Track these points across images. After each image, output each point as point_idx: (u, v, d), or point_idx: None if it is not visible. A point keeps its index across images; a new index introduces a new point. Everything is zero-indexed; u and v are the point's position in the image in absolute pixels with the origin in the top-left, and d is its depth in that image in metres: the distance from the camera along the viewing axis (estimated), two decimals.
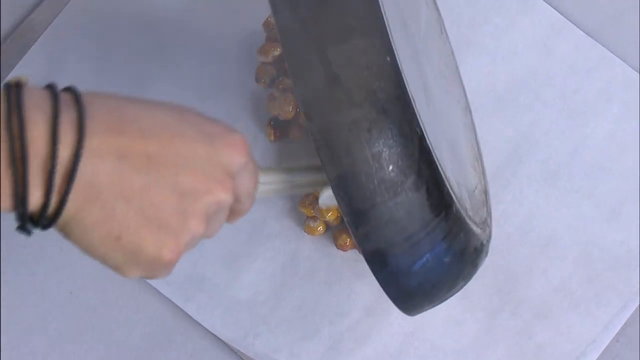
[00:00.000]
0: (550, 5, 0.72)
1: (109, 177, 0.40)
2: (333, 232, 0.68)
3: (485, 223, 0.58)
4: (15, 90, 0.39)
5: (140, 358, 0.68)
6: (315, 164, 0.54)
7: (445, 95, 0.62)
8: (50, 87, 0.41)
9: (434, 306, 0.54)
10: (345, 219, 0.48)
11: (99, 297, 0.69)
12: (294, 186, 0.55)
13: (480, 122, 0.69)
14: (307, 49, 0.46)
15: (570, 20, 0.72)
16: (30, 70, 0.71)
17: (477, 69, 0.71)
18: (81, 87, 0.71)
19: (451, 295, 0.54)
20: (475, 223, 0.53)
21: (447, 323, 0.68)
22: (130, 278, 0.45)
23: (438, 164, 0.48)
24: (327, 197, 0.54)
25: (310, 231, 0.68)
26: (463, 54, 0.71)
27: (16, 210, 0.39)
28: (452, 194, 0.49)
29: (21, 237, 0.68)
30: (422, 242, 0.48)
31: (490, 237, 0.58)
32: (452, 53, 0.69)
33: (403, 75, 0.46)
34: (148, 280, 0.68)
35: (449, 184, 0.49)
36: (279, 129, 0.69)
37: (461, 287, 0.54)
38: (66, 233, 0.42)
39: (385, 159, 0.46)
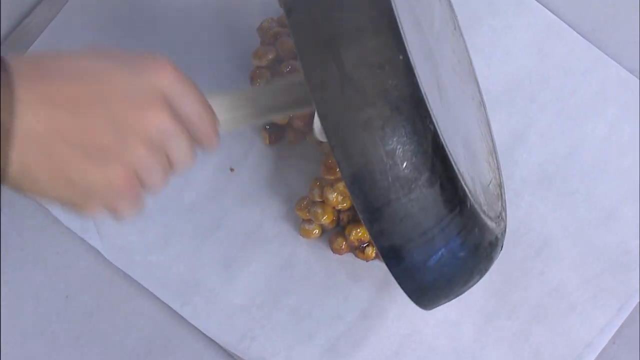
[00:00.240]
0: (546, 8, 0.72)
1: (44, 125, 0.43)
2: (329, 236, 0.68)
3: (500, 217, 0.59)
4: None
5: None
6: (287, 82, 0.55)
7: (459, 91, 0.62)
8: None
9: (449, 300, 0.54)
10: (360, 216, 0.48)
11: (95, 301, 0.69)
12: (265, 110, 0.54)
13: None
14: (320, 48, 0.47)
15: (565, 22, 0.72)
16: None
17: None
18: None
19: (467, 289, 0.54)
20: (489, 217, 0.54)
21: (444, 325, 0.68)
22: (97, 215, 0.47)
23: (452, 160, 0.48)
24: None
25: (306, 234, 0.68)
26: None
27: None
28: (466, 189, 0.50)
29: (17, 241, 0.69)
30: (436, 237, 0.49)
31: (505, 230, 0.59)
32: (467, 49, 0.69)
33: (416, 73, 0.47)
34: (144, 285, 0.68)
35: (463, 180, 0.50)
36: (274, 132, 0.69)
37: (476, 281, 0.54)
38: (18, 187, 0.44)
39: (399, 156, 0.47)
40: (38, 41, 0.72)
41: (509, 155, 0.70)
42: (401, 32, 0.47)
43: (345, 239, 0.67)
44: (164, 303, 0.68)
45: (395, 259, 0.49)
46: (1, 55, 0.43)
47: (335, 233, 0.68)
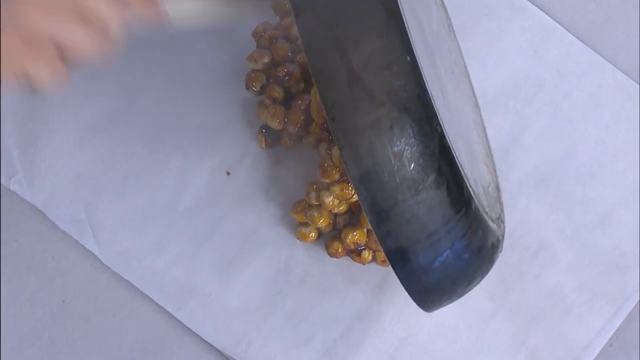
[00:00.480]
0: (541, 10, 0.72)
1: None
2: (325, 240, 0.68)
3: (500, 219, 0.59)
4: None
5: None
6: None
7: (458, 93, 0.63)
8: None
9: (452, 302, 0.55)
10: (367, 217, 0.48)
11: (91, 305, 0.69)
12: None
13: None
14: (328, 50, 0.47)
15: (560, 25, 0.72)
16: None
17: None
18: (72, 95, 0.72)
19: (469, 291, 0.54)
20: (491, 219, 0.54)
21: (440, 328, 0.68)
22: (13, 82, 0.48)
23: (458, 162, 0.49)
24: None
25: (302, 237, 0.68)
26: None
27: None
28: (471, 191, 0.50)
29: (13, 245, 0.69)
30: (442, 239, 0.49)
31: (504, 233, 0.59)
32: (461, 51, 0.69)
33: (423, 74, 0.47)
34: (141, 289, 0.68)
35: (468, 181, 0.50)
36: (270, 136, 0.69)
37: (478, 283, 0.54)
38: None
39: (406, 157, 0.47)
40: None
41: (505, 158, 0.70)
42: (408, 33, 0.47)
43: (342, 242, 0.67)
44: (161, 307, 0.68)
45: (402, 260, 0.49)
46: None
47: (331, 237, 0.68)
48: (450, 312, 0.68)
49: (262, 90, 0.68)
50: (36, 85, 0.48)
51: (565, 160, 0.70)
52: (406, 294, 0.67)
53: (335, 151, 0.63)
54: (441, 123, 0.48)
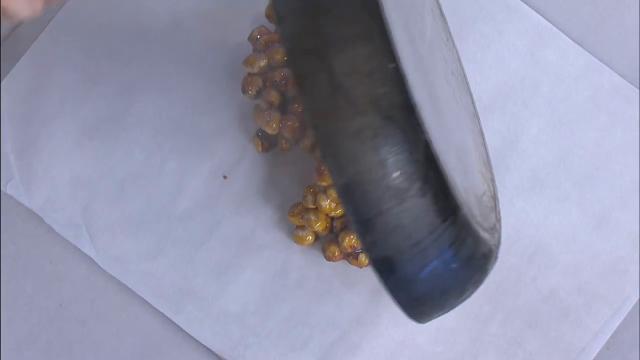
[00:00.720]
0: (537, 12, 0.72)
1: None
2: (322, 244, 0.68)
3: (494, 228, 0.58)
4: None
5: None
6: None
7: (452, 102, 0.62)
8: None
9: (443, 313, 0.54)
10: (352, 227, 0.48)
11: (88, 310, 0.69)
12: None
13: None
14: (310, 57, 0.47)
15: (557, 27, 0.72)
16: (19, 82, 0.71)
17: None
18: (69, 98, 0.72)
19: (461, 302, 0.53)
20: (483, 228, 0.53)
21: (438, 332, 0.68)
22: None
23: (444, 170, 0.48)
24: None
25: (299, 241, 0.68)
26: None
27: None
28: (458, 199, 0.49)
29: (11, 249, 0.69)
30: (429, 248, 0.48)
31: (499, 242, 0.58)
32: (460, 60, 0.69)
33: (407, 82, 0.46)
34: (138, 293, 0.68)
35: (456, 190, 0.49)
36: (266, 140, 0.69)
37: (471, 294, 0.53)
38: None
39: (390, 166, 0.46)
40: (28, 52, 0.72)
41: (501, 162, 0.70)
42: (391, 40, 0.46)
43: (339, 246, 0.67)
44: (158, 311, 0.68)
45: (388, 270, 0.49)
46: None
47: (328, 240, 0.68)
48: (448, 316, 0.67)
49: (259, 94, 0.68)
50: (11, 14, 0.48)
51: (562, 163, 0.70)
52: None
53: None
54: (427, 131, 0.47)
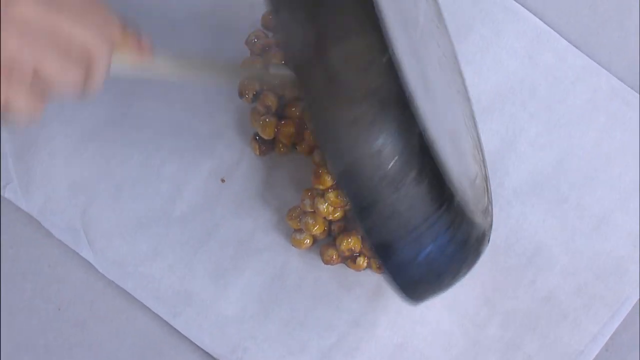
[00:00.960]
0: (535, 15, 0.72)
1: None
2: (320, 247, 0.68)
3: (487, 211, 0.59)
4: None
5: None
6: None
7: (445, 85, 0.63)
8: None
9: (438, 294, 0.55)
10: (352, 213, 0.49)
11: (87, 313, 0.69)
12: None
13: None
14: (306, 49, 0.47)
15: (554, 30, 0.72)
16: None
17: None
18: (64, 104, 0.72)
19: (455, 283, 0.55)
20: (476, 212, 0.54)
21: (436, 334, 0.68)
22: None
23: (439, 158, 0.49)
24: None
25: (297, 244, 0.68)
26: None
27: None
28: (453, 186, 0.50)
29: (9, 253, 0.69)
30: (424, 234, 0.49)
31: (491, 224, 0.59)
32: (452, 43, 0.69)
33: (401, 72, 0.47)
34: (136, 296, 0.68)
35: (450, 177, 0.50)
36: (263, 143, 0.69)
37: (465, 274, 0.55)
38: None
39: (386, 155, 0.47)
40: None
41: (499, 164, 0.70)
42: (385, 32, 0.47)
43: (337, 249, 0.67)
44: (157, 314, 0.68)
45: (386, 255, 0.50)
46: None
47: (326, 244, 0.67)
48: (445, 318, 0.68)
49: (256, 98, 0.68)
50: (11, 115, 0.48)
51: (561, 165, 0.70)
52: (401, 300, 0.67)
53: None
54: (422, 120, 0.48)
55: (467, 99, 0.68)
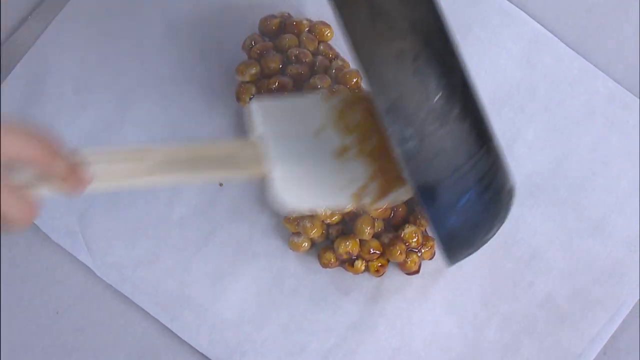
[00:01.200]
0: (533, 18, 0.72)
1: None
2: (318, 250, 0.68)
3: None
4: None
5: None
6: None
7: None
8: None
9: (471, 252, 0.55)
10: (396, 153, 0.48)
11: (85, 317, 0.69)
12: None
13: None
14: None
15: (552, 33, 0.72)
16: (13, 91, 0.71)
17: None
18: (63, 108, 0.72)
19: (488, 240, 0.55)
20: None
21: (434, 337, 0.68)
22: None
23: (479, 97, 0.49)
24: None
25: (294, 247, 0.68)
26: None
27: None
28: (492, 127, 0.51)
29: (7, 256, 0.69)
30: (467, 175, 0.50)
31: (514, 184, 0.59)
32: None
33: (440, 8, 0.48)
34: (134, 300, 0.68)
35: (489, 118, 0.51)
36: None
37: (496, 232, 0.55)
38: None
39: (432, 89, 0.48)
40: (23, 60, 0.72)
41: None
42: None
43: (334, 252, 0.67)
44: (155, 318, 0.68)
45: (429, 197, 0.50)
46: None
47: (324, 247, 0.67)
48: (444, 321, 0.68)
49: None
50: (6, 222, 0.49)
51: (558, 168, 0.70)
52: (399, 303, 0.67)
53: None
54: (462, 57, 0.48)
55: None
